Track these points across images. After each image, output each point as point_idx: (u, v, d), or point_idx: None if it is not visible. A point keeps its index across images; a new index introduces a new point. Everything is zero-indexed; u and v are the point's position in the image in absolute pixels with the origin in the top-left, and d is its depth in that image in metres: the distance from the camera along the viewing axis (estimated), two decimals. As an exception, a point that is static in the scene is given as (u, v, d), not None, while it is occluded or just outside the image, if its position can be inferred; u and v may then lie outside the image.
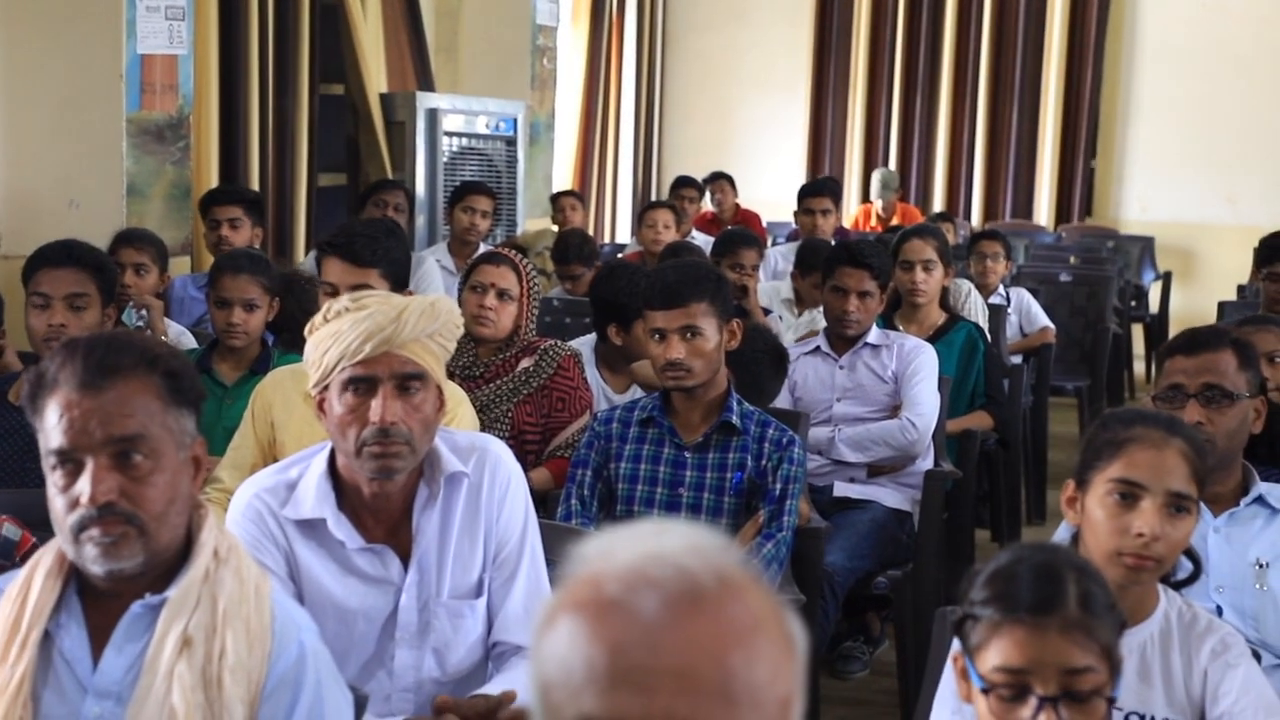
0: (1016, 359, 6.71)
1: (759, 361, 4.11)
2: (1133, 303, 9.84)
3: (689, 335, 3.44)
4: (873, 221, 10.57)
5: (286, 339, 4.36)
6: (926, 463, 4.59)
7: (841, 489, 4.50)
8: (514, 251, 4.28)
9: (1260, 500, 2.99)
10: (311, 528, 2.51)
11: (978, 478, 5.36)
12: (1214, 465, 2.97)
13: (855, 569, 4.19)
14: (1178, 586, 2.44)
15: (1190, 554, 2.43)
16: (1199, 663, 2.32)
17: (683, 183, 9.24)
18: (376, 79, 8.05)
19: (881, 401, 4.60)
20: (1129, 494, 2.28)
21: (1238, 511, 2.99)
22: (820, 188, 7.41)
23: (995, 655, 1.78)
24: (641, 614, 1.04)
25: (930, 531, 4.41)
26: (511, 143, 8.57)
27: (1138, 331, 9.91)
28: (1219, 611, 2.90)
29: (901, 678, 4.27)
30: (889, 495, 4.50)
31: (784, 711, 1.09)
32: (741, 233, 6.09)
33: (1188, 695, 2.31)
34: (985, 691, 1.79)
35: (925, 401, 4.54)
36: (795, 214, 7.40)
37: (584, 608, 1.07)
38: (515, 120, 8.56)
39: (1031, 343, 6.95)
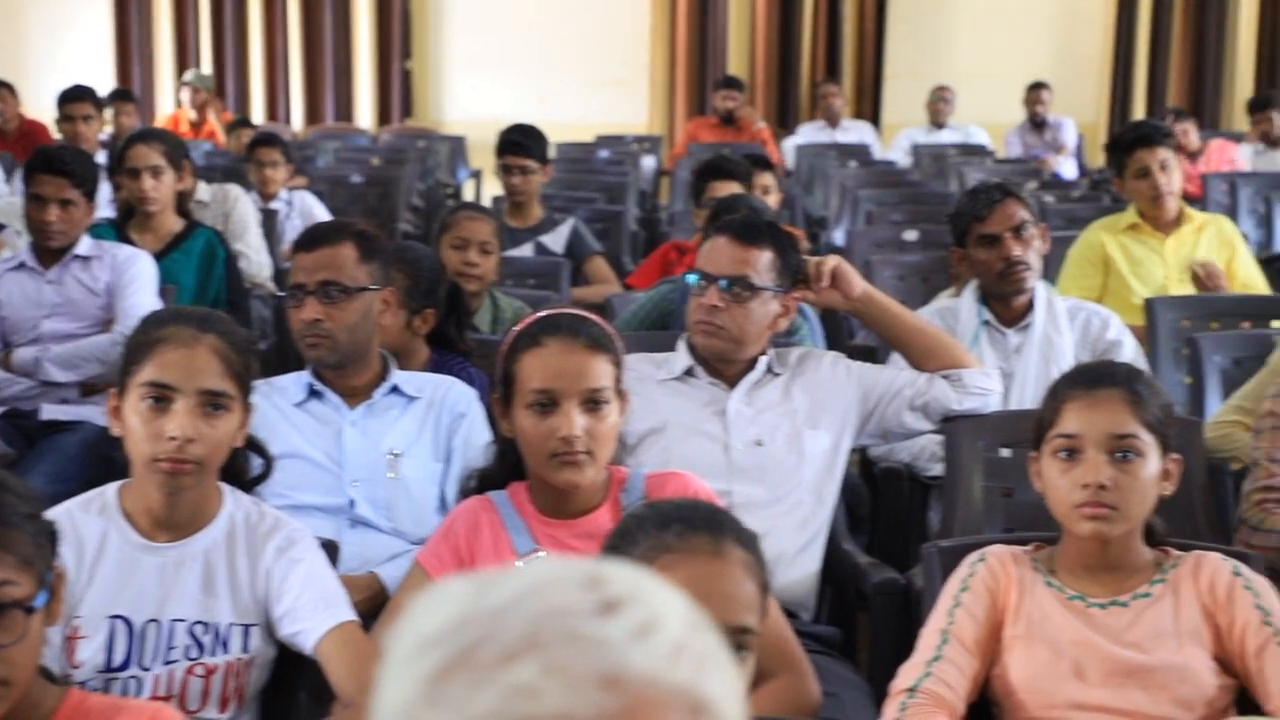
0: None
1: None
2: (450, 200, 9.97)
3: None
4: (184, 128, 10.14)
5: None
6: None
7: (50, 412, 4.23)
8: None
9: (396, 390, 2.99)
10: None
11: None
12: (340, 361, 2.96)
13: (61, 494, 3.95)
14: (249, 486, 2.38)
15: (255, 447, 2.38)
16: (263, 563, 2.27)
17: (-60, 91, 8.43)
18: None
19: (94, 315, 4.36)
20: (161, 398, 2.17)
21: (374, 403, 2.98)
22: (80, 93, 6.95)
23: None
24: None
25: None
26: None
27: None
28: (352, 504, 2.89)
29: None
30: (102, 414, 4.28)
31: None
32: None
33: (253, 597, 2.26)
34: None
35: (140, 313, 4.32)
36: (56, 122, 6.92)
37: None
38: None
39: (313, 245, 6.85)
